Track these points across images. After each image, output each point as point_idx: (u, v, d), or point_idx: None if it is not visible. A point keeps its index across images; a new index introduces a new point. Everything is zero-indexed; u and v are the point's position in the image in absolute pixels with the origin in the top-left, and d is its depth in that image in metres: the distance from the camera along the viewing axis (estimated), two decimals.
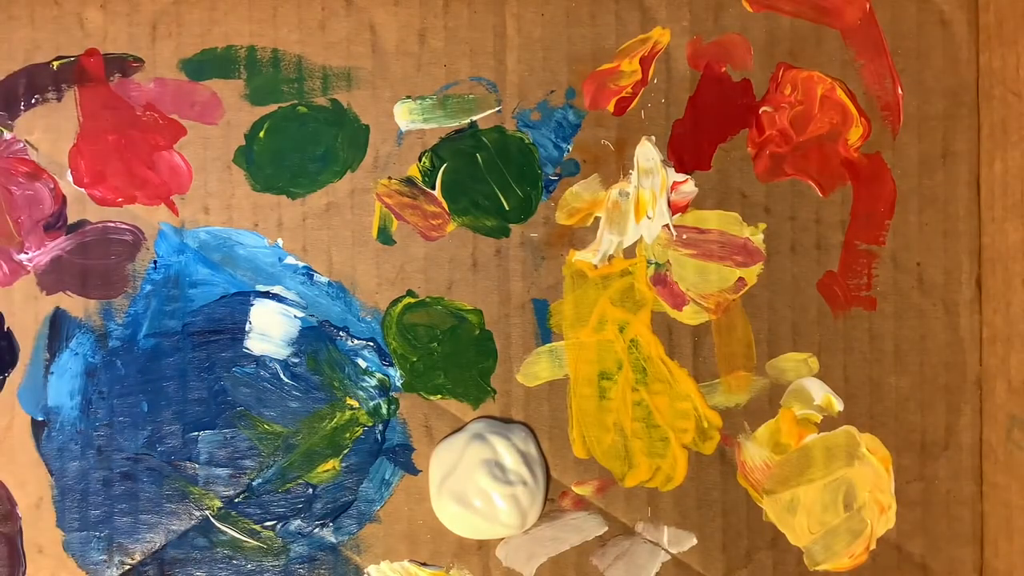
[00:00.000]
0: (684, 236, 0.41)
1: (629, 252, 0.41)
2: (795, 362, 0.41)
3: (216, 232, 0.41)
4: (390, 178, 0.41)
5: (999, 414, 0.39)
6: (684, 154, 0.41)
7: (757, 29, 0.41)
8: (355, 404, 0.41)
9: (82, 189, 0.41)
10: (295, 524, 0.41)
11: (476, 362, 0.41)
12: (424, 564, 0.41)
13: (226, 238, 0.41)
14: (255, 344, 0.41)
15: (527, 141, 0.41)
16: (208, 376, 0.41)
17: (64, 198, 0.41)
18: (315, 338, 0.41)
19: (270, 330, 0.41)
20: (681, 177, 0.41)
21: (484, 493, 0.39)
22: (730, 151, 0.41)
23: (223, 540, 0.41)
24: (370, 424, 0.41)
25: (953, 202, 0.41)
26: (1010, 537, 0.39)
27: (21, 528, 0.41)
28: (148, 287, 0.41)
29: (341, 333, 0.41)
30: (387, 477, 0.41)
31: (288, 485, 0.41)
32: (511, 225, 0.41)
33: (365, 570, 0.41)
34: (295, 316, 0.41)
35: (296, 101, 0.41)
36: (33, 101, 0.41)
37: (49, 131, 0.41)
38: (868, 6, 0.41)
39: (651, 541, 0.41)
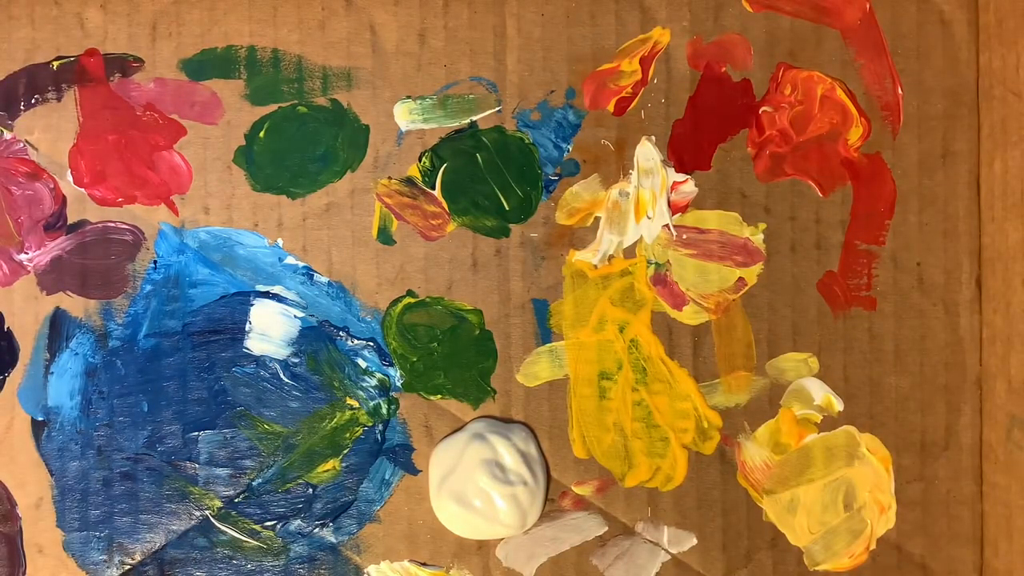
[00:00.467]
0: (684, 236, 0.41)
1: (629, 252, 0.41)
2: (795, 362, 0.41)
3: (216, 232, 0.41)
4: (390, 178, 0.41)
5: (999, 414, 0.39)
6: (684, 154, 0.41)
7: (757, 29, 0.41)
8: (355, 404, 0.41)
9: (82, 189, 0.41)
10: (295, 524, 0.41)
11: (476, 362, 0.41)
12: (424, 564, 0.41)
13: (226, 238, 0.41)
14: (255, 344, 0.41)
15: (527, 141, 0.41)
16: (208, 376, 0.41)
17: (64, 198, 0.41)
18: (315, 338, 0.41)
19: (270, 330, 0.41)
20: (681, 177, 0.41)
21: (484, 493, 0.39)
22: (730, 151, 0.41)
23: (223, 540, 0.41)
24: (370, 424, 0.41)
25: (953, 202, 0.41)
26: (1010, 537, 0.39)
27: (21, 528, 0.40)
28: (148, 287, 0.41)
29: (341, 333, 0.41)
30: (387, 477, 0.41)
31: (288, 485, 0.41)
32: (511, 225, 0.41)
33: (365, 570, 0.41)
34: (295, 316, 0.41)
35: (296, 101, 0.41)
36: (33, 101, 0.41)
37: (49, 131, 0.41)
38: (868, 6, 0.41)
39: (651, 541, 0.41)
